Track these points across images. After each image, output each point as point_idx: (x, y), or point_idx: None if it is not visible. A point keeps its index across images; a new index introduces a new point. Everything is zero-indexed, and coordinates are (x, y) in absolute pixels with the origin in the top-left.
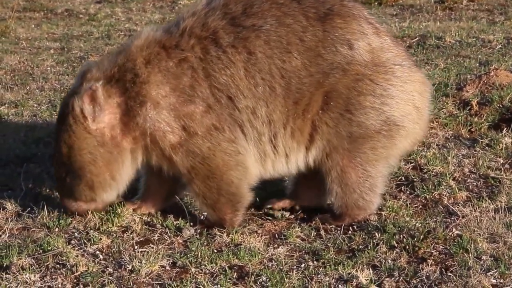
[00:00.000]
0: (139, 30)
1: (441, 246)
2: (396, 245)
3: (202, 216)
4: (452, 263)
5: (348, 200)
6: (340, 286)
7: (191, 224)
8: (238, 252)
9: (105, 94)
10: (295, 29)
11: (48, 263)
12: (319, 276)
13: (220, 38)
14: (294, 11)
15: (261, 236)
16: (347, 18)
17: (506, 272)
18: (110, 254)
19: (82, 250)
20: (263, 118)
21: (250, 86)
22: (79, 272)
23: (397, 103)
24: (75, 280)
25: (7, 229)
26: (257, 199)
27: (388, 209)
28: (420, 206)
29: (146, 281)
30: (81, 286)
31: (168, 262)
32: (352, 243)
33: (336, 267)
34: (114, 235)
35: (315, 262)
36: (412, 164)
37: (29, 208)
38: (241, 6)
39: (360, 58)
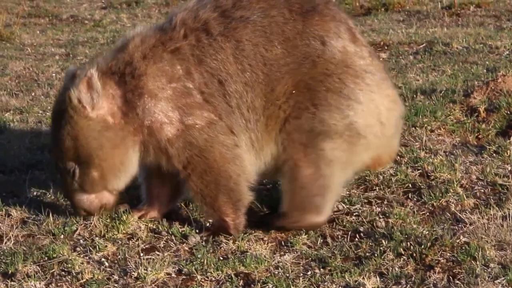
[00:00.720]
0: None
1: (448, 254)
2: (403, 252)
3: (208, 223)
4: (459, 270)
5: (295, 197)
6: None
7: (197, 231)
8: (244, 260)
9: (102, 82)
10: (278, 21)
11: (54, 270)
12: (325, 283)
13: (211, 28)
14: (280, 5)
15: (267, 243)
16: (326, 17)
17: None
18: (116, 261)
19: (87, 257)
20: (249, 103)
21: (238, 71)
22: (84, 280)
23: (363, 111)
24: None
25: (12, 236)
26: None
27: (395, 216)
28: (427, 213)
29: None
30: None
31: (173, 269)
32: (359, 250)
33: (343, 275)
34: (120, 242)
35: (321, 269)
36: (419, 171)
37: (34, 215)
38: (230, 4)
39: (331, 55)
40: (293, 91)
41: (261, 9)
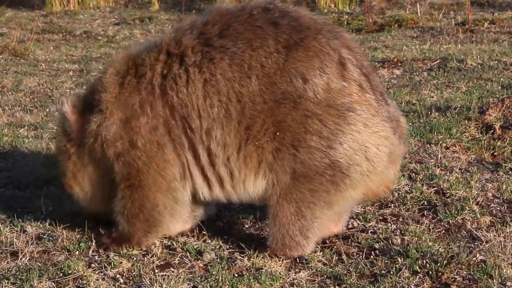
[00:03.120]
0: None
1: (464, 272)
2: (419, 270)
3: (222, 240)
4: None
5: (277, 233)
6: None
7: (212, 248)
8: (259, 277)
9: (72, 112)
10: (259, 54)
11: (69, 286)
12: None
13: (186, 57)
14: (266, 35)
15: (282, 260)
16: (310, 53)
17: None
18: (131, 278)
19: (102, 274)
20: (218, 140)
21: (206, 106)
22: None
23: (345, 150)
24: None
25: (27, 252)
26: None
27: (410, 233)
28: (443, 231)
29: None
30: None
31: (188, 286)
32: (374, 267)
33: None
34: (135, 258)
35: (337, 287)
36: (434, 188)
37: (49, 231)
38: (219, 27)
39: (312, 95)
40: (274, 131)
41: (245, 40)
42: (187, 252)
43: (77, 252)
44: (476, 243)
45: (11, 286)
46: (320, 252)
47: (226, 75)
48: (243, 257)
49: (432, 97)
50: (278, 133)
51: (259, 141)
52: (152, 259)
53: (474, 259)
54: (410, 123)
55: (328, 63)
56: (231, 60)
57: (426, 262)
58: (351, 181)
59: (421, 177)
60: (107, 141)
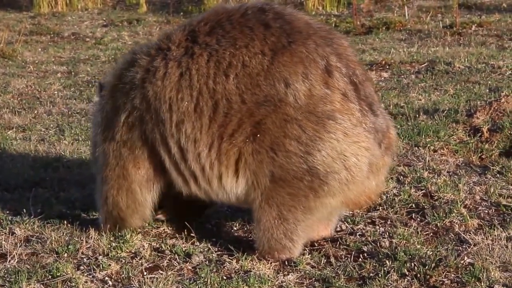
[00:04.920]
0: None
1: (452, 275)
2: (407, 273)
3: (211, 243)
4: None
5: (262, 237)
6: None
7: (201, 250)
8: (248, 279)
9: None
10: (242, 53)
11: None
12: None
13: (170, 51)
14: (254, 36)
15: (271, 262)
16: (295, 58)
17: None
18: (119, 280)
19: (91, 276)
20: (188, 134)
21: (177, 100)
22: None
23: (323, 158)
24: None
25: (16, 254)
26: None
27: (399, 236)
28: (431, 234)
29: None
30: None
31: None
32: (363, 270)
33: None
34: (123, 261)
35: None
36: (422, 191)
37: (37, 233)
38: (210, 25)
39: (292, 100)
40: (253, 133)
41: (230, 38)
42: (176, 255)
43: (65, 255)
44: (464, 246)
45: None
46: (308, 255)
47: (201, 71)
48: (231, 259)
49: (420, 100)
50: (257, 135)
51: (235, 140)
52: (140, 261)
53: (462, 262)
54: (398, 126)
55: (313, 70)
56: (209, 56)
57: (414, 265)
58: (329, 188)
59: (409, 180)
60: (97, 128)
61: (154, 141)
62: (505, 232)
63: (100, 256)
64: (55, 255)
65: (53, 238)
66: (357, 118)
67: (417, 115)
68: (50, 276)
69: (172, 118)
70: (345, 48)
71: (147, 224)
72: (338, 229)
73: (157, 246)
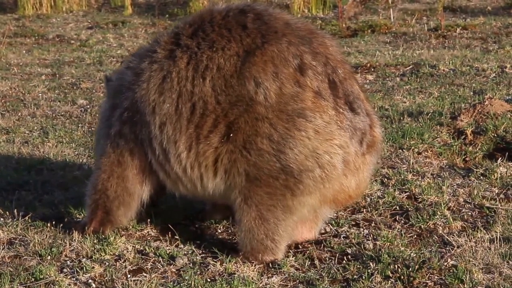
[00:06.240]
0: None
1: (436, 277)
2: (391, 275)
3: (195, 245)
4: None
5: (244, 238)
6: None
7: (185, 253)
8: (232, 282)
9: None
10: (218, 56)
11: None
12: None
13: (154, 54)
14: (231, 38)
15: (255, 265)
16: (266, 57)
17: None
18: (103, 283)
19: (74, 279)
20: (169, 136)
21: (159, 102)
22: None
23: (296, 156)
24: None
25: None
26: None
27: (382, 238)
28: (415, 236)
29: None
30: None
31: None
32: (347, 272)
33: None
34: (107, 263)
35: None
36: (406, 194)
37: (21, 236)
38: (194, 27)
39: (263, 99)
40: (227, 133)
41: (209, 41)
42: (160, 257)
43: (49, 257)
44: (447, 248)
45: None
46: (292, 257)
47: (181, 74)
48: (215, 262)
49: (405, 102)
50: (231, 135)
51: (211, 140)
52: (124, 264)
53: (445, 264)
54: (383, 128)
55: (284, 69)
56: (189, 59)
57: (398, 267)
58: (304, 187)
59: (393, 182)
60: (100, 123)
61: (142, 141)
62: (488, 234)
63: (84, 259)
64: (38, 258)
65: (36, 241)
66: (330, 116)
67: (402, 118)
68: (33, 279)
69: (155, 120)
70: (326, 47)
71: (131, 227)
72: (323, 231)
73: (141, 248)
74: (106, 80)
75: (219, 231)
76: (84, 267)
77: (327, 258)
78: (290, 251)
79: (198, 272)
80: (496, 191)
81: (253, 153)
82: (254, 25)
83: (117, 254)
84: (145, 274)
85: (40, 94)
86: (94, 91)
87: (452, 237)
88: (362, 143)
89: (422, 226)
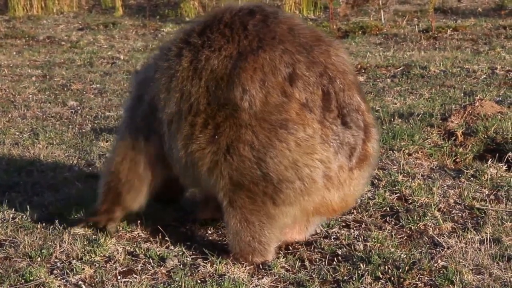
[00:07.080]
0: None
1: (426, 278)
2: (381, 276)
3: (185, 246)
4: None
5: (232, 240)
6: None
7: (175, 254)
8: (222, 283)
9: None
10: (214, 56)
11: None
12: None
13: (170, 51)
14: (232, 37)
15: (245, 266)
16: (256, 65)
17: None
18: (93, 284)
19: (64, 280)
20: (172, 133)
21: (166, 101)
22: None
23: (276, 165)
24: None
25: None
26: None
27: (373, 239)
28: (405, 237)
29: None
30: None
31: None
32: (337, 274)
33: None
34: (97, 265)
35: None
36: (397, 195)
37: (11, 238)
38: (204, 25)
39: (248, 106)
40: (213, 134)
41: (211, 40)
42: (150, 259)
43: (39, 259)
44: (437, 249)
45: None
46: (283, 258)
47: (183, 73)
48: (206, 263)
49: (395, 103)
50: (216, 137)
51: (199, 140)
52: (114, 265)
53: (435, 265)
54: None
55: (272, 77)
56: (192, 58)
57: (388, 268)
58: (285, 196)
59: (383, 184)
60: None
61: (157, 133)
62: (478, 235)
63: (74, 260)
64: (28, 259)
65: (26, 242)
66: (314, 130)
67: (392, 119)
68: (23, 281)
69: (163, 118)
70: (328, 55)
71: (121, 228)
72: (313, 232)
73: (131, 250)
74: (135, 72)
75: (210, 232)
76: (74, 269)
77: (317, 259)
78: (281, 252)
79: (189, 274)
80: (486, 192)
81: (235, 158)
82: (255, 27)
83: (107, 255)
84: (135, 276)
85: (30, 96)
86: (84, 92)
87: (442, 238)
88: (351, 158)
89: (412, 227)
